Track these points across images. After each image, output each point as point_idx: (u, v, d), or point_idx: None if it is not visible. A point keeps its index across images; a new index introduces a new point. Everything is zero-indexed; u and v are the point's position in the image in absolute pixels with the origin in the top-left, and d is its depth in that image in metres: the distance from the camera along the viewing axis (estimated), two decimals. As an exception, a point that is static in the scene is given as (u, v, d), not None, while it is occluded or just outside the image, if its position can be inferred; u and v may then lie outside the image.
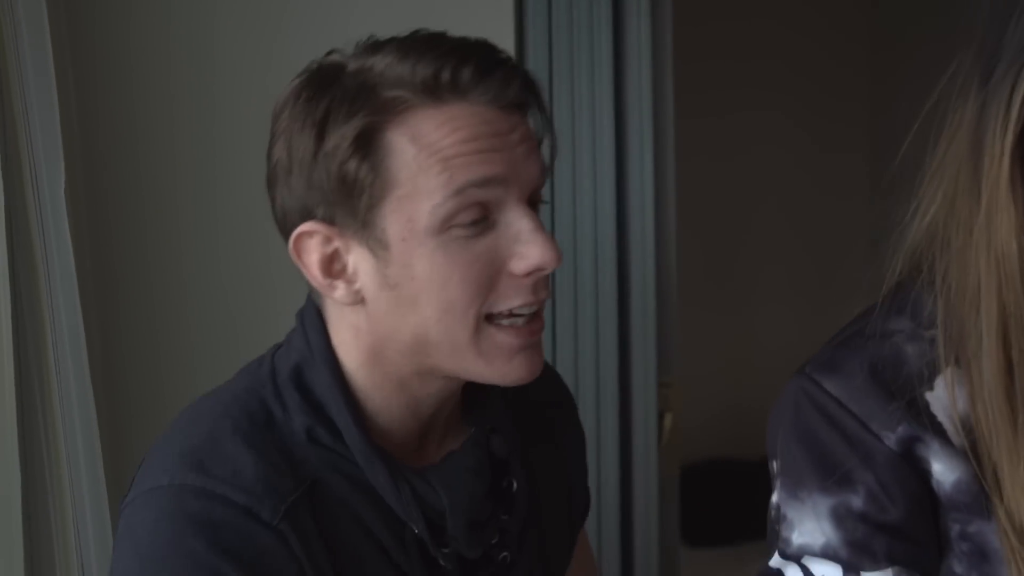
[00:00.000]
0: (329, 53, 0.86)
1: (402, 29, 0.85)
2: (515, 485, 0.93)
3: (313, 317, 0.88)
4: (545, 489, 1.01)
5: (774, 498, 0.85)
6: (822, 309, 3.15)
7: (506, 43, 1.69)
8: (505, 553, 0.92)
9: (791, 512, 0.83)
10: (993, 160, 0.76)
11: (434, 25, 0.85)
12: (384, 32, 0.86)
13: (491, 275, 0.82)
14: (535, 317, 0.85)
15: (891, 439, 0.79)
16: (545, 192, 0.88)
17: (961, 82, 0.79)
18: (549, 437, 1.04)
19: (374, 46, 0.84)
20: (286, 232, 0.85)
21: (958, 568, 0.80)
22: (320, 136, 0.81)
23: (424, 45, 0.82)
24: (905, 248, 0.83)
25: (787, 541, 0.82)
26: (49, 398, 1.28)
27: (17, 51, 1.23)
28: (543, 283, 0.85)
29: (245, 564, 0.78)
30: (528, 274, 0.83)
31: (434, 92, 0.80)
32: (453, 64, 0.80)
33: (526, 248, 0.82)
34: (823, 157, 3.45)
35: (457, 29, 0.85)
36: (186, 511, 0.79)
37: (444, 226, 0.80)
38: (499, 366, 0.84)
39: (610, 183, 1.75)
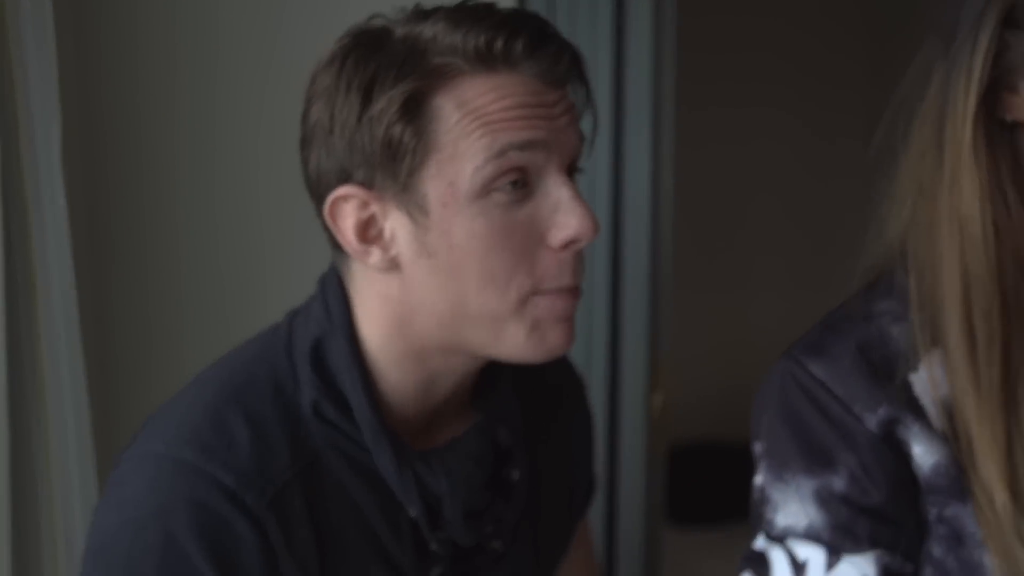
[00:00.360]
0: (371, 18, 0.86)
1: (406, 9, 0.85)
2: (516, 476, 0.93)
3: (335, 285, 0.88)
4: (547, 479, 1.00)
5: (758, 480, 0.85)
6: (815, 292, 3.15)
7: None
8: (498, 543, 0.92)
9: (776, 494, 0.83)
10: (956, 125, 0.77)
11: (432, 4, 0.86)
12: (383, 10, 0.86)
13: (530, 245, 0.82)
14: (575, 290, 0.85)
15: (872, 421, 0.80)
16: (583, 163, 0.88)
17: (927, 62, 0.80)
18: (558, 423, 1.04)
19: (422, 13, 0.84)
20: (319, 195, 0.85)
21: (936, 551, 0.81)
22: (367, 99, 0.80)
23: (476, 14, 0.82)
24: (888, 231, 0.83)
25: (771, 523, 0.83)
26: (40, 382, 1.26)
27: (17, 22, 1.22)
28: (581, 259, 0.85)
29: (215, 552, 0.79)
30: (566, 246, 0.83)
31: (486, 61, 0.80)
32: (506, 34, 0.80)
33: (565, 218, 0.82)
34: (820, 145, 3.44)
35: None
36: (173, 485, 0.80)
37: (485, 190, 0.80)
38: (541, 334, 0.84)
39: (607, 163, 1.73)
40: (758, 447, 0.86)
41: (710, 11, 3.04)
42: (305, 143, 0.85)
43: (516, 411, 0.95)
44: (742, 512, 0.93)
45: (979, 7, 0.76)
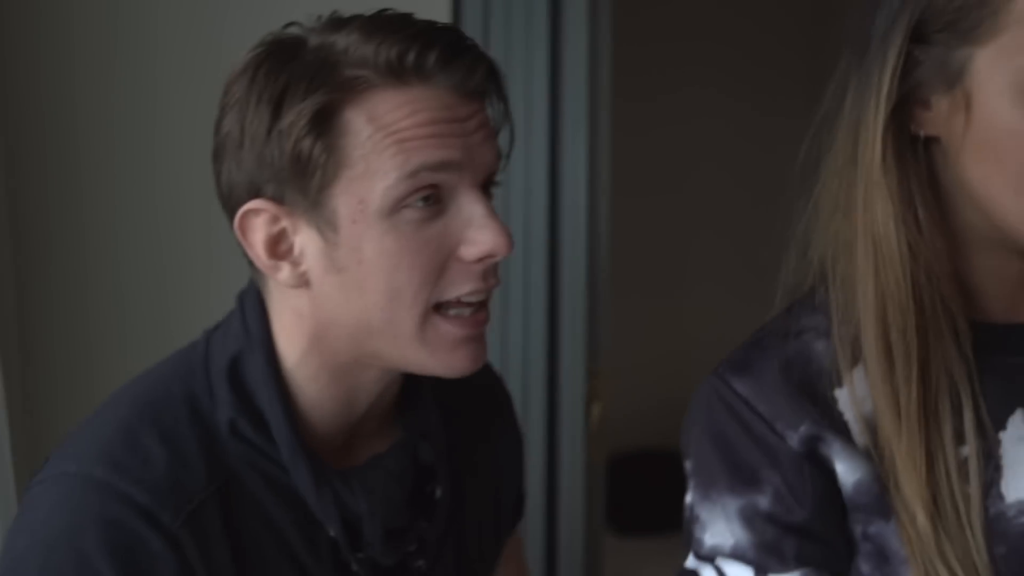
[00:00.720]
0: (288, 26, 0.83)
1: (341, 10, 0.83)
2: (438, 493, 0.92)
3: (253, 301, 0.86)
4: (472, 496, 0.99)
5: (688, 498, 0.85)
6: (756, 302, 3.17)
7: (441, 21, 1.66)
8: (421, 562, 0.91)
9: (703, 513, 0.82)
10: (867, 144, 0.77)
11: (369, 3, 0.84)
12: (323, 12, 0.84)
13: (441, 261, 0.81)
14: (480, 308, 0.84)
15: (794, 439, 0.79)
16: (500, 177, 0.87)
17: (843, 77, 0.80)
18: (485, 440, 1.02)
19: (337, 23, 0.82)
20: (231, 209, 0.83)
21: (864, 568, 0.81)
22: (276, 112, 0.79)
23: (390, 25, 0.80)
24: (809, 247, 0.83)
25: (700, 542, 0.83)
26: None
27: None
28: (493, 271, 0.83)
29: (129, 571, 0.77)
30: (479, 260, 0.81)
31: (398, 74, 0.79)
32: (419, 47, 0.78)
33: (478, 233, 0.81)
34: (760, 155, 3.48)
35: (390, 4, 0.83)
36: (85, 505, 0.78)
37: (395, 207, 0.79)
38: (442, 356, 0.83)
39: (543, 168, 1.73)
40: (687, 465, 0.86)
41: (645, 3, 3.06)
42: (217, 155, 0.84)
43: (438, 427, 0.94)
44: (682, 521, 0.92)
45: (888, 22, 0.76)
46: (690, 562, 0.84)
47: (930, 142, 0.78)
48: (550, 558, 1.83)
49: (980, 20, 0.72)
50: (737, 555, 0.80)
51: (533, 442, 1.78)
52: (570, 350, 1.77)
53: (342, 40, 0.79)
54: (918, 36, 0.75)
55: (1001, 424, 0.79)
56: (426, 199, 0.79)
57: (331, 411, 0.86)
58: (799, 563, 0.79)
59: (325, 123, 0.78)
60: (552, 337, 1.77)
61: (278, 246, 0.82)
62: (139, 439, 0.81)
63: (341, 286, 0.81)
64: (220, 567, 0.80)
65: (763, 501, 0.79)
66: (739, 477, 0.80)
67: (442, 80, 0.79)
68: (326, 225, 0.80)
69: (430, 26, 0.81)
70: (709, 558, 0.82)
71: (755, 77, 3.43)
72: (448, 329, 0.82)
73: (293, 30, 0.83)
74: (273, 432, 0.83)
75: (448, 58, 0.79)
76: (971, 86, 0.74)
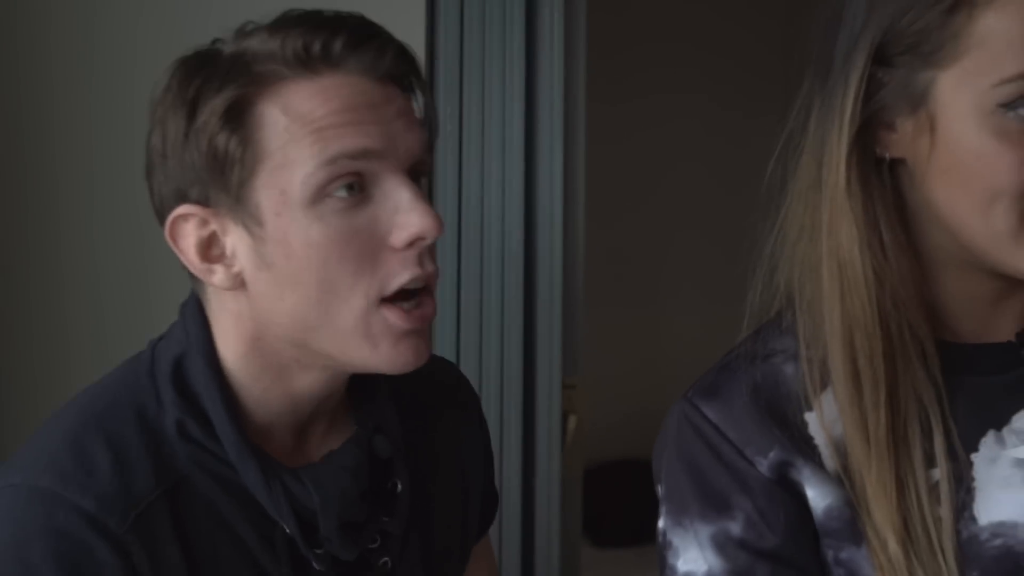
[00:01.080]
0: (214, 42, 0.84)
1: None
2: (399, 487, 0.91)
3: (194, 308, 0.87)
4: (439, 493, 0.98)
5: (660, 524, 0.84)
6: (732, 308, 3.17)
7: (417, 28, 1.67)
8: (386, 558, 0.90)
9: (675, 539, 0.82)
10: (831, 168, 0.76)
11: (343, 7, 0.84)
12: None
13: (372, 249, 0.80)
14: (424, 303, 0.83)
15: (764, 465, 0.79)
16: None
17: (807, 97, 0.79)
18: (450, 438, 1.02)
19: (251, 30, 0.83)
20: (163, 219, 0.83)
21: (838, 593, 0.79)
22: (191, 114, 0.79)
23: (296, 20, 0.81)
24: (776, 269, 0.82)
25: (673, 568, 0.82)
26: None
27: None
28: (428, 254, 0.83)
29: None
30: (410, 244, 0.81)
31: (306, 63, 0.79)
32: (325, 35, 0.79)
33: (405, 217, 0.80)
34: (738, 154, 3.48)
35: (367, 13, 0.83)
36: (31, 516, 0.78)
37: (318, 196, 0.79)
38: (385, 351, 0.82)
39: (519, 176, 1.72)
40: (659, 490, 0.85)
41: (622, 7, 3.05)
42: (147, 172, 0.85)
43: (395, 422, 0.94)
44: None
45: (850, 43, 0.76)
46: None
47: (896, 163, 0.77)
48: (527, 569, 1.82)
49: (941, 43, 0.72)
50: None
51: (510, 454, 1.77)
52: (546, 363, 1.77)
53: (252, 42, 0.81)
54: (881, 58, 0.75)
55: (973, 446, 0.78)
56: (349, 187, 0.79)
57: (278, 411, 0.86)
58: None
59: (238, 117, 0.79)
60: (528, 350, 1.77)
61: (210, 249, 0.82)
62: (85, 448, 0.81)
63: (274, 282, 0.81)
64: (171, 569, 0.80)
65: (735, 527, 0.78)
66: (710, 503, 0.79)
67: (352, 65, 0.80)
68: (251, 220, 0.80)
69: (336, 15, 0.81)
70: (682, 585, 0.81)
71: (729, 75, 3.43)
72: (391, 320, 0.82)
73: (214, 46, 0.84)
74: (218, 432, 0.83)
75: (355, 43, 0.80)
76: (935, 109, 0.73)
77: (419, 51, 1.64)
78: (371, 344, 0.82)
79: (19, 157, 1.53)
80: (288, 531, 0.84)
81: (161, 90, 0.83)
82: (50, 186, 1.55)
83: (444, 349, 1.73)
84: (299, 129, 0.79)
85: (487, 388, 1.75)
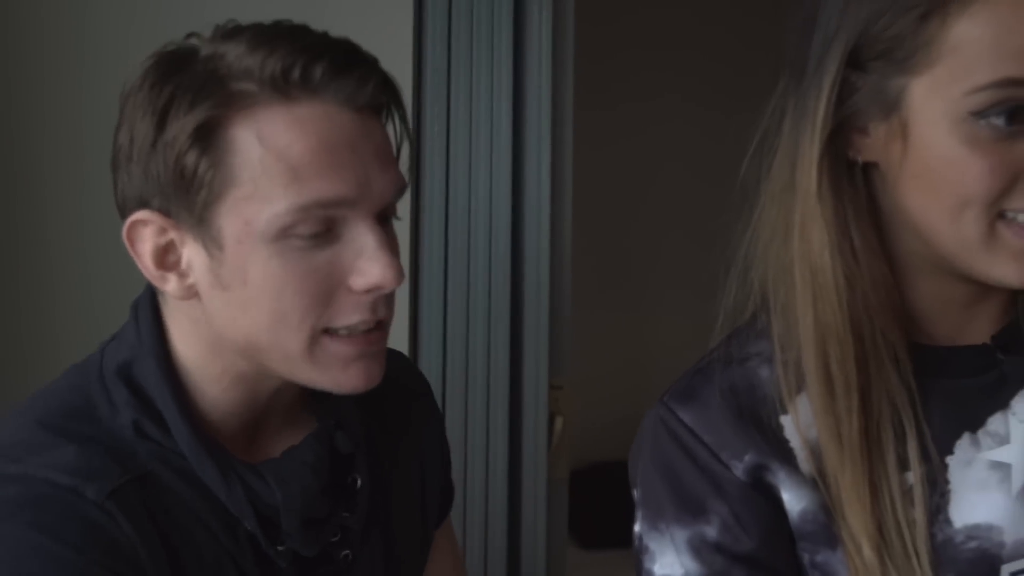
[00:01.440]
0: (189, 36, 0.82)
1: (304, 13, 0.82)
2: (359, 482, 0.91)
3: (147, 308, 0.86)
4: (397, 485, 0.98)
5: (636, 528, 0.84)
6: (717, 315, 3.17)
7: (405, 33, 1.66)
8: (346, 552, 0.90)
9: (652, 543, 0.82)
10: (803, 172, 0.76)
11: (330, 14, 0.82)
12: (292, 16, 0.82)
13: (328, 288, 0.80)
14: (376, 327, 0.83)
15: (739, 469, 0.78)
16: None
17: (781, 98, 0.79)
18: (406, 430, 1.02)
19: (231, 32, 0.80)
20: (123, 216, 0.82)
21: (814, 596, 0.80)
22: (160, 125, 0.77)
23: (279, 37, 0.78)
24: (750, 272, 0.82)
25: (649, 573, 0.82)
26: None
27: None
28: (384, 302, 0.82)
29: (70, 539, 0.74)
30: (367, 291, 0.80)
31: (283, 89, 0.77)
32: (305, 59, 0.76)
33: (368, 264, 0.80)
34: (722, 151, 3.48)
35: (354, 19, 0.82)
36: (6, 497, 0.76)
37: (282, 235, 0.78)
38: (334, 375, 0.82)
39: (506, 182, 1.72)
40: (635, 494, 0.85)
41: (610, 15, 3.04)
42: (113, 166, 0.83)
43: (355, 415, 0.93)
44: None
45: (823, 47, 0.75)
46: None
47: (869, 167, 0.77)
48: (513, 571, 1.82)
49: (914, 50, 0.72)
50: None
51: (496, 455, 1.78)
52: (533, 364, 1.77)
53: (231, 51, 0.78)
54: (855, 62, 0.74)
55: (948, 448, 0.78)
56: (315, 235, 0.78)
57: (235, 411, 0.86)
58: None
59: (209, 138, 0.77)
60: (515, 351, 1.77)
61: (166, 257, 0.81)
62: (44, 441, 0.79)
63: (228, 303, 0.80)
64: (152, 549, 0.78)
65: (710, 531, 0.78)
66: (686, 507, 0.79)
67: (331, 95, 0.77)
68: (211, 242, 0.79)
69: (321, 38, 0.79)
70: (659, 588, 0.80)
71: (714, 78, 3.43)
72: (338, 349, 0.81)
73: (190, 40, 0.82)
74: (172, 433, 0.82)
75: (336, 71, 0.77)
76: (907, 115, 0.73)
77: (407, 55, 1.64)
78: (320, 369, 0.82)
79: (8, 155, 1.53)
80: (249, 528, 0.84)
81: (134, 84, 0.81)
82: (38, 184, 1.54)
83: (431, 351, 1.73)
84: (274, 164, 0.76)
85: (474, 389, 1.75)
